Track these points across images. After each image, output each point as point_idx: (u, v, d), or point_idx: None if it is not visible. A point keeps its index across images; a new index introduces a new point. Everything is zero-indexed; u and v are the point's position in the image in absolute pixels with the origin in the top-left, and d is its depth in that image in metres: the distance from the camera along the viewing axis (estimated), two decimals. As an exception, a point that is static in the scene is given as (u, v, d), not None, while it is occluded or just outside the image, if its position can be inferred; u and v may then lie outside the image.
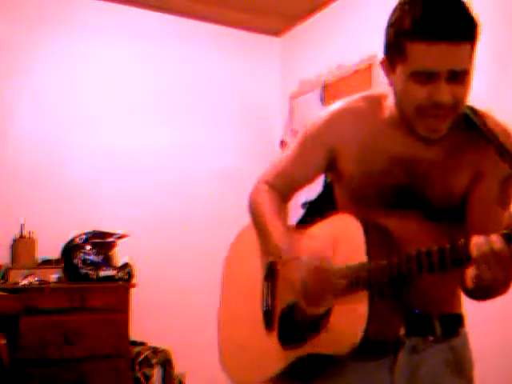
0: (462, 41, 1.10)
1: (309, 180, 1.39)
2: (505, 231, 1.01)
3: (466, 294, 1.27)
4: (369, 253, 1.17)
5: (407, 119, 1.20)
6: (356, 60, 3.60)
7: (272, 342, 1.36)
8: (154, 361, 3.25)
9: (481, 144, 1.20)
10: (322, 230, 1.31)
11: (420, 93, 1.14)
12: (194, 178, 3.87)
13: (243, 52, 4.24)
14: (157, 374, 3.24)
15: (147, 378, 3.22)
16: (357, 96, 1.34)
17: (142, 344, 3.34)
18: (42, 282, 3.05)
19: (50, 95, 3.59)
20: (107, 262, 3.26)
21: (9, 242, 3.29)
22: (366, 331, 1.13)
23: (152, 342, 3.35)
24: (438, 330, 1.25)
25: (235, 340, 1.51)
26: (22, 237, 3.28)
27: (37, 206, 3.40)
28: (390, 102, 1.27)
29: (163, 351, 3.28)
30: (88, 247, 3.23)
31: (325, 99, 3.83)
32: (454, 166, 1.23)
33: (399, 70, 1.16)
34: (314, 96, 3.83)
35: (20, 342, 2.79)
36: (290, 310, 1.32)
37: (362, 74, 3.59)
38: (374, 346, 1.18)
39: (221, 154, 3.92)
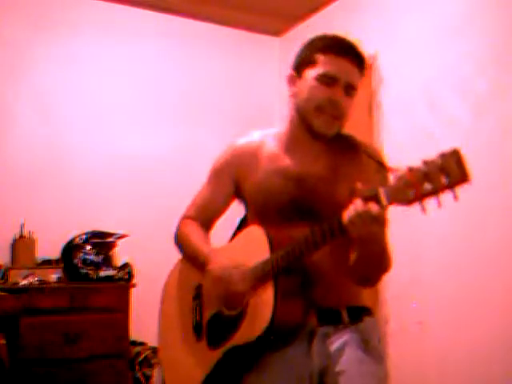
0: (356, 64, 1.46)
1: (224, 207, 1.65)
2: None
3: (356, 279, 1.47)
4: (271, 250, 1.40)
5: (307, 117, 1.47)
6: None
7: (202, 349, 1.54)
8: (153, 361, 3.25)
9: (356, 161, 1.50)
10: (236, 242, 1.58)
11: (323, 92, 1.44)
12: (194, 178, 3.85)
13: (243, 52, 4.25)
14: (157, 374, 3.24)
15: (147, 378, 3.22)
16: (252, 134, 1.64)
17: (141, 344, 3.34)
18: (42, 282, 3.05)
19: (50, 95, 3.59)
20: (107, 262, 3.26)
21: (9, 241, 3.29)
22: (273, 314, 1.33)
23: (152, 342, 3.34)
24: (346, 318, 1.45)
25: (171, 362, 1.70)
26: (21, 237, 3.28)
27: (37, 206, 3.40)
28: (280, 132, 1.58)
29: (163, 351, 3.27)
30: (88, 247, 3.23)
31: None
32: (336, 180, 1.48)
33: (307, 75, 1.48)
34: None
35: (20, 342, 2.79)
36: (214, 317, 1.52)
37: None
38: (285, 332, 1.38)
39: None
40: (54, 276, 3.16)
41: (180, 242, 1.66)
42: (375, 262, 1.39)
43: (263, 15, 4.05)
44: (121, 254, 3.35)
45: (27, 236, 3.29)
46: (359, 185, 1.25)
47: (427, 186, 1.11)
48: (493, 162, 2.70)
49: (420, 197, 1.13)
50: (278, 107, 4.16)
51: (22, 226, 3.29)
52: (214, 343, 1.51)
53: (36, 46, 3.57)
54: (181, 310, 1.67)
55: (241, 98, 4.14)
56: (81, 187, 3.56)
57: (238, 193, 1.61)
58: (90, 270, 3.18)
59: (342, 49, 1.46)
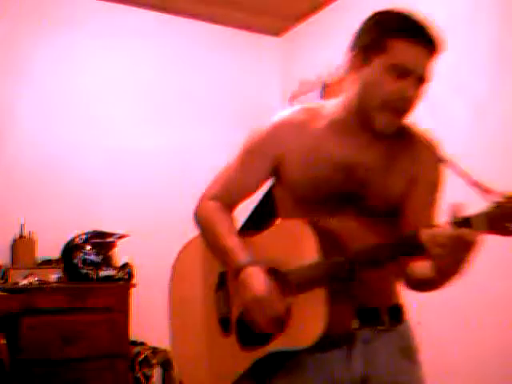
0: (434, 52, 1.28)
1: (253, 189, 1.45)
2: (452, 219, 1.11)
3: (412, 285, 1.37)
4: (321, 252, 1.25)
5: (368, 110, 1.29)
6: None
7: (230, 346, 1.39)
8: (153, 361, 3.25)
9: (412, 152, 1.36)
10: (271, 236, 1.38)
11: (393, 86, 1.26)
12: (194, 178, 3.86)
13: (243, 52, 4.24)
14: (157, 374, 3.24)
15: (147, 378, 3.22)
16: (295, 108, 1.44)
17: (141, 344, 3.34)
18: (42, 282, 3.04)
19: (50, 95, 3.59)
20: (107, 261, 3.26)
21: (9, 241, 3.29)
22: (327, 320, 1.20)
23: (152, 342, 3.35)
24: (387, 320, 1.35)
25: (191, 354, 1.52)
26: (21, 237, 3.28)
27: (37, 206, 3.40)
28: (329, 111, 1.39)
29: (163, 351, 3.27)
30: (88, 247, 3.23)
31: (325, 99, 3.83)
32: (391, 171, 1.34)
33: (376, 63, 1.27)
34: (314, 96, 3.82)
35: (20, 342, 2.79)
36: (249, 311, 1.34)
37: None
38: (330, 339, 1.24)
39: (221, 154, 3.87)
40: (53, 276, 3.16)
41: (202, 225, 1.46)
42: (448, 277, 1.23)
43: (263, 15, 4.04)
44: (121, 254, 3.35)
45: (27, 236, 3.29)
46: (457, 204, 1.10)
47: None
48: (493, 163, 2.70)
49: None
50: (278, 107, 4.16)
51: (22, 226, 3.28)
52: (247, 342, 1.36)
53: (36, 46, 3.57)
54: (200, 297, 1.49)
55: (241, 98, 4.14)
56: (81, 187, 3.56)
57: (276, 172, 1.41)
58: (89, 269, 3.18)
59: (418, 34, 1.25)
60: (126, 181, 3.70)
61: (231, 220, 1.43)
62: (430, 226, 1.17)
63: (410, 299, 3.20)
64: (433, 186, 1.38)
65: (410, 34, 1.25)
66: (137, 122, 3.82)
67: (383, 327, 1.34)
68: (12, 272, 3.09)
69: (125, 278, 3.24)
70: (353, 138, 1.35)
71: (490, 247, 2.80)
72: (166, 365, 3.27)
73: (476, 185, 1.14)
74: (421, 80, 1.28)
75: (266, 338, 1.31)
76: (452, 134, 2.93)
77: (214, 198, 1.46)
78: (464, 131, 2.88)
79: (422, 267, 1.28)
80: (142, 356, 3.25)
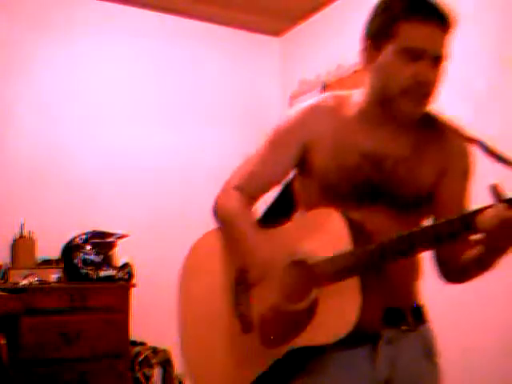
0: (447, 28, 1.23)
1: (279, 180, 1.40)
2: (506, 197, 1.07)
3: (452, 274, 1.36)
4: (353, 241, 1.20)
5: (390, 99, 1.25)
6: (356, 60, 3.59)
7: (250, 345, 1.32)
8: (153, 361, 3.25)
9: (441, 141, 1.33)
10: (297, 227, 1.33)
11: (407, 71, 1.21)
12: (194, 178, 3.87)
13: (243, 52, 4.24)
14: (157, 374, 3.24)
15: (147, 378, 3.22)
16: (325, 94, 1.41)
17: (142, 344, 3.34)
18: (42, 282, 3.04)
19: (50, 95, 3.59)
20: (107, 261, 3.26)
21: (9, 241, 3.29)
22: (356, 322, 1.16)
23: (152, 342, 3.35)
24: (411, 320, 1.32)
25: (204, 353, 1.44)
26: (21, 237, 3.28)
27: (37, 206, 3.40)
28: (356, 100, 1.35)
29: (163, 351, 3.27)
30: (88, 247, 3.23)
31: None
32: (420, 162, 1.31)
33: (388, 50, 1.24)
34: (314, 96, 3.82)
35: (20, 342, 2.79)
36: (271, 311, 1.29)
37: (361, 74, 3.58)
38: (355, 336, 1.19)
39: (221, 154, 3.91)
40: (54, 276, 3.16)
41: (221, 220, 1.40)
42: (487, 266, 1.23)
43: (263, 15, 4.04)
44: (121, 254, 3.35)
45: (27, 236, 3.29)
46: (499, 184, 1.08)
47: None
48: (493, 163, 2.70)
49: None
50: (278, 107, 4.16)
51: (22, 226, 3.28)
52: (269, 339, 1.30)
53: (36, 46, 3.57)
54: (216, 293, 1.41)
55: (241, 98, 4.14)
56: (81, 187, 3.56)
57: (303, 162, 1.35)
58: (90, 269, 3.18)
59: (426, 11, 1.20)
60: (126, 181, 3.70)
61: (253, 213, 1.39)
62: (479, 208, 1.11)
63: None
64: (464, 174, 1.36)
65: (417, 14, 1.20)
66: (137, 122, 3.81)
67: (407, 327, 1.32)
68: (12, 272, 3.09)
69: (125, 278, 3.24)
70: (380, 129, 1.31)
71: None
72: (166, 365, 3.27)
73: (509, 163, 1.12)
74: (437, 60, 1.23)
75: (289, 335, 1.26)
76: (452, 134, 2.93)
77: (238, 188, 1.39)
78: (464, 131, 2.87)
79: (466, 253, 1.25)
80: (142, 356, 3.25)
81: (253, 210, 1.40)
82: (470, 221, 1.10)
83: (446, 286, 1.40)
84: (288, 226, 1.35)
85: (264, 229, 1.36)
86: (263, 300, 1.29)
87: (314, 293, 1.22)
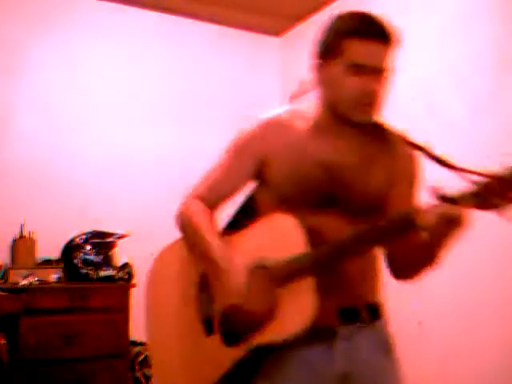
0: (389, 43, 1.34)
1: (239, 189, 1.48)
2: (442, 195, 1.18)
3: (398, 270, 1.43)
4: (308, 245, 1.29)
5: (341, 109, 1.37)
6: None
7: (213, 346, 1.39)
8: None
9: (391, 149, 1.43)
10: (256, 232, 1.40)
11: (353, 84, 1.33)
12: (194, 178, 3.86)
13: (243, 52, 4.25)
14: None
15: (147, 378, 3.22)
16: (282, 109, 1.50)
17: (141, 344, 3.34)
18: (41, 282, 3.05)
19: (50, 95, 3.59)
20: (107, 261, 3.26)
21: (9, 242, 3.29)
22: (312, 318, 1.24)
23: (152, 342, 3.35)
24: (366, 317, 1.39)
25: (169, 357, 1.51)
26: (21, 237, 3.28)
27: (37, 206, 3.40)
28: (311, 114, 1.45)
29: (163, 351, 3.27)
30: (88, 247, 3.23)
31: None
32: (370, 169, 1.40)
33: (336, 66, 1.35)
34: (314, 96, 3.82)
35: (20, 342, 2.79)
36: (232, 312, 1.36)
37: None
38: (312, 334, 1.27)
39: (220, 155, 3.91)
40: (53, 276, 3.16)
41: (184, 227, 1.48)
42: (430, 261, 1.33)
43: (263, 15, 4.05)
44: (121, 254, 3.35)
45: (27, 236, 3.29)
46: (437, 185, 1.18)
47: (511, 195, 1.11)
48: (492, 163, 2.70)
49: (504, 205, 1.12)
50: (277, 107, 4.16)
51: (22, 226, 3.29)
52: (231, 340, 1.37)
53: (36, 46, 3.57)
54: (180, 299, 1.50)
55: (240, 98, 4.14)
56: (81, 187, 3.56)
57: (259, 173, 1.45)
58: (90, 270, 3.18)
59: (369, 30, 1.33)
60: (125, 181, 3.70)
61: (214, 220, 1.46)
62: (420, 206, 1.22)
63: (410, 299, 3.21)
64: (411, 179, 1.45)
65: (360, 32, 1.32)
66: (137, 122, 3.82)
67: (363, 324, 1.38)
68: (12, 272, 3.09)
69: (125, 278, 3.24)
70: (333, 140, 1.40)
71: (491, 248, 2.80)
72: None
73: (451, 166, 1.22)
74: (380, 72, 1.34)
75: (249, 335, 1.33)
76: (452, 134, 2.93)
77: (199, 198, 1.49)
78: (464, 131, 2.88)
79: (411, 249, 1.34)
80: (142, 356, 3.25)
81: (214, 218, 1.47)
82: (411, 218, 1.20)
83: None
84: (249, 232, 1.42)
85: (226, 236, 1.44)
86: (225, 302, 1.36)
87: (274, 294, 1.30)
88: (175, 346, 1.49)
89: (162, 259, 1.60)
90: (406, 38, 3.48)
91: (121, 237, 3.34)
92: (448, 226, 1.18)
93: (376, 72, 1.33)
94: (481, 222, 2.85)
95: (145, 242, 3.54)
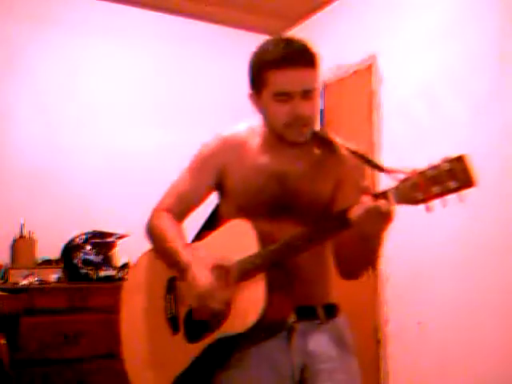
0: (306, 65, 1.42)
1: (202, 200, 1.61)
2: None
3: (343, 271, 1.51)
4: (261, 247, 1.40)
5: (278, 133, 1.47)
6: (356, 60, 3.60)
7: (177, 343, 1.50)
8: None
9: (335, 157, 1.52)
10: (217, 237, 1.53)
11: (283, 110, 1.42)
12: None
13: (243, 52, 4.22)
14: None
15: (147, 377, 3.22)
16: (238, 126, 1.65)
17: (141, 344, 3.34)
18: (41, 282, 3.05)
19: (50, 95, 3.59)
20: (107, 261, 3.26)
21: (9, 242, 3.29)
22: (264, 307, 1.34)
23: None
24: (322, 315, 1.49)
25: (139, 358, 1.60)
26: (21, 237, 3.28)
27: (37, 206, 3.40)
28: (262, 130, 1.56)
29: (163, 351, 3.27)
30: (88, 247, 3.23)
31: (325, 99, 3.83)
32: (317, 177, 1.51)
33: (264, 95, 1.46)
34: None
35: (20, 342, 2.79)
36: (196, 305, 1.46)
37: (361, 74, 3.59)
38: (268, 326, 1.38)
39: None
40: (53, 276, 3.16)
41: (153, 236, 1.60)
42: (368, 257, 1.42)
43: (263, 15, 4.05)
44: (121, 254, 3.35)
45: (27, 236, 3.29)
46: (367, 183, 1.27)
47: (435, 189, 1.17)
48: (492, 163, 2.70)
49: (428, 199, 1.18)
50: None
51: (22, 226, 3.29)
52: (193, 336, 1.47)
53: (36, 46, 3.58)
54: (150, 303, 1.61)
55: (240, 98, 4.13)
56: (81, 187, 3.56)
57: (219, 186, 1.59)
58: (89, 270, 3.18)
59: (283, 60, 1.41)
60: (126, 181, 3.71)
61: (181, 229, 1.58)
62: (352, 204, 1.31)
63: (410, 300, 3.21)
64: (356, 185, 1.50)
65: (276, 63, 1.41)
66: (137, 122, 3.82)
67: (319, 321, 1.49)
68: (12, 272, 3.10)
69: (125, 278, 3.24)
70: (282, 152, 1.52)
71: (491, 249, 2.81)
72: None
73: (385, 170, 1.29)
74: (307, 93, 1.42)
75: (210, 329, 1.43)
76: (451, 134, 2.94)
77: (167, 210, 1.61)
78: (463, 131, 2.88)
79: (349, 246, 1.42)
80: (142, 356, 3.24)
81: (181, 227, 1.59)
82: (343, 216, 1.29)
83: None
84: (211, 237, 1.54)
85: (193, 242, 1.58)
86: (190, 295, 1.44)
87: (232, 290, 1.41)
88: (144, 345, 1.59)
89: (136, 266, 1.72)
90: (406, 39, 3.49)
91: (121, 237, 3.35)
92: (376, 219, 1.25)
93: (302, 94, 1.41)
94: (481, 222, 2.87)
95: (145, 242, 3.54)
